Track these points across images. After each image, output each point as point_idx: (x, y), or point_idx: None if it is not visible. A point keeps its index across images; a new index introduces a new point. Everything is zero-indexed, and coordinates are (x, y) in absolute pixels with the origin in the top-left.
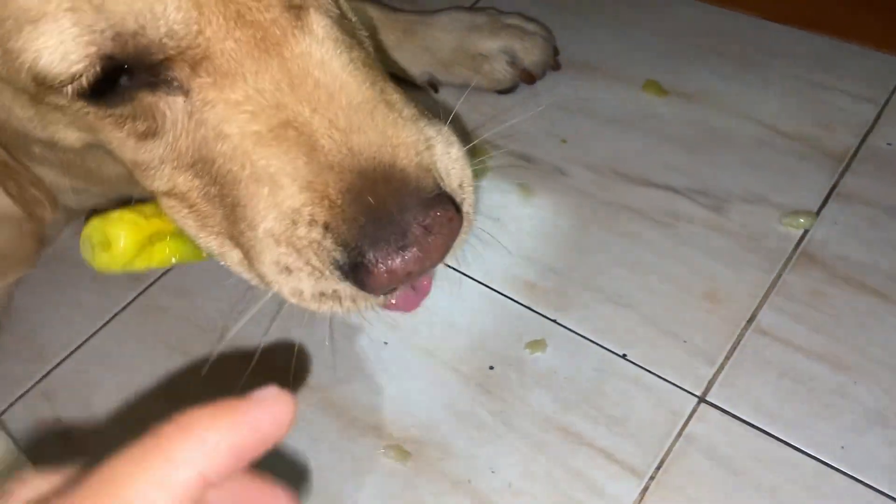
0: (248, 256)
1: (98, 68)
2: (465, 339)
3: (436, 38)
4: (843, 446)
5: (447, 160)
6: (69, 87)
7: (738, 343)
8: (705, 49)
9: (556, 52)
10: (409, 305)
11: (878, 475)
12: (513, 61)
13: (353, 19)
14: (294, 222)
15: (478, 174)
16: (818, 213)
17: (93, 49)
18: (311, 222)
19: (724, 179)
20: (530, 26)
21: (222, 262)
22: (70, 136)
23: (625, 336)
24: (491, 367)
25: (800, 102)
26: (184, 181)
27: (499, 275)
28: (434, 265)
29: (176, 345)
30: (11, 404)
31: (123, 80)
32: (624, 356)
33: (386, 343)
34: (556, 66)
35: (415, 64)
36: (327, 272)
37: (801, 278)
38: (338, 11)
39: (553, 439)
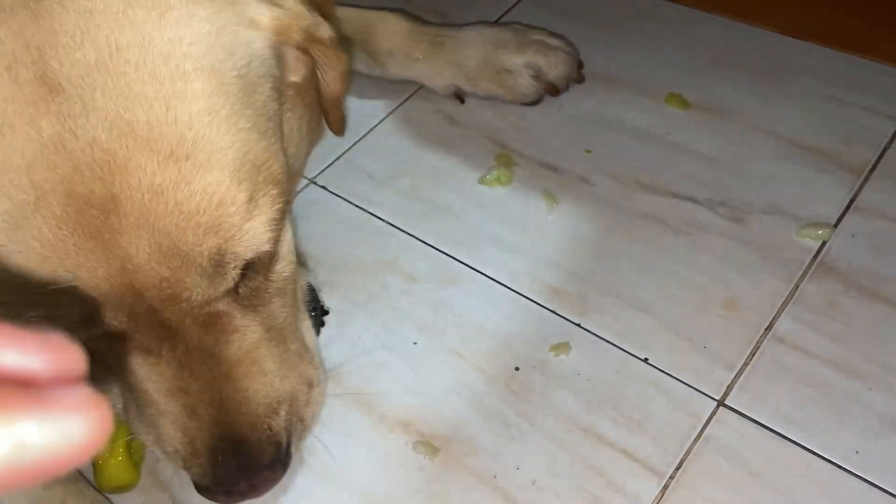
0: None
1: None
2: (491, 340)
3: (463, 52)
4: (858, 451)
5: (304, 408)
6: None
7: (756, 350)
8: (727, 64)
9: (580, 65)
10: None
11: (893, 480)
12: (537, 75)
13: (278, 304)
14: (165, 442)
15: (503, 181)
16: (836, 225)
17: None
18: (176, 452)
19: (744, 191)
20: (554, 41)
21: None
22: None
23: (646, 340)
24: (516, 368)
25: (819, 117)
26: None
27: (524, 279)
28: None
29: None
30: None
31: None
32: (645, 360)
33: (415, 343)
34: (580, 79)
35: (441, 76)
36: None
37: (818, 288)
38: (253, 312)
39: (576, 438)
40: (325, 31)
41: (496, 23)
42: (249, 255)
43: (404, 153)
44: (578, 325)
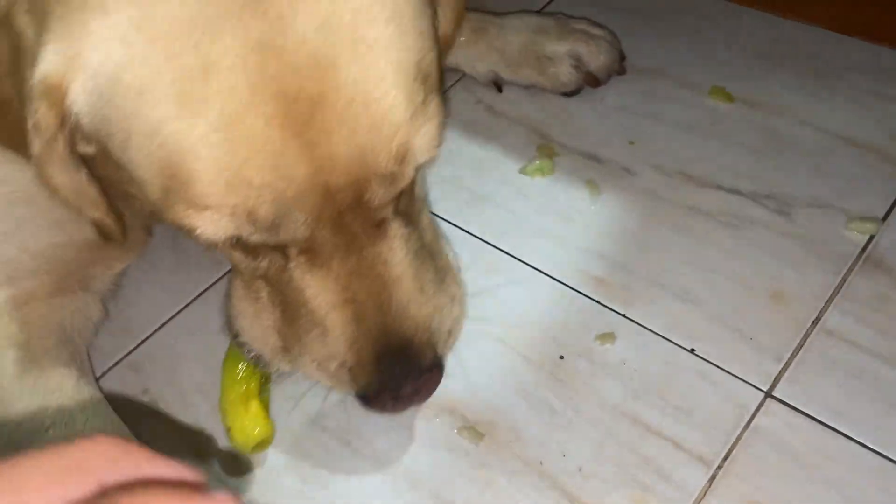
0: (287, 350)
1: (235, 241)
2: (536, 329)
3: (505, 38)
4: None
5: (449, 322)
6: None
7: (804, 342)
8: (771, 58)
9: (622, 56)
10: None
11: None
12: (578, 64)
13: (426, 221)
14: (331, 358)
15: (545, 171)
16: (884, 219)
17: (236, 236)
18: (342, 364)
19: (790, 185)
20: (597, 31)
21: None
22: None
23: (692, 331)
24: (561, 357)
25: (866, 112)
26: (262, 287)
27: (568, 269)
28: (417, 405)
29: None
30: (102, 375)
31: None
32: (692, 351)
33: None
34: (621, 71)
35: (481, 62)
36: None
37: (866, 282)
38: (411, 224)
39: (622, 427)
40: None
41: (539, 12)
42: (423, 157)
43: (446, 142)
44: (623, 315)
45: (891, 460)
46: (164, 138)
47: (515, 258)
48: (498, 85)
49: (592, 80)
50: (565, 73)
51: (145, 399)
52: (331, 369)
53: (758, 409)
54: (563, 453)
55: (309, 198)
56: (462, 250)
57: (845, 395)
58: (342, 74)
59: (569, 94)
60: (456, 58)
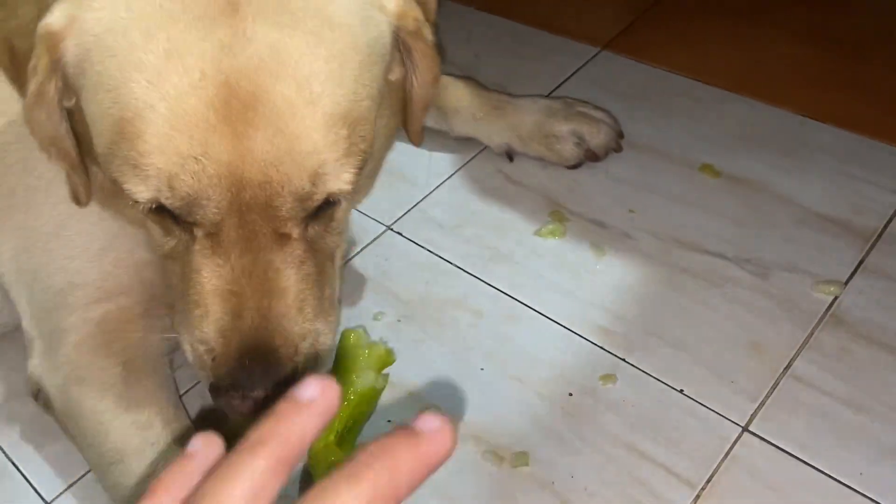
0: (175, 321)
1: (154, 207)
2: (548, 370)
3: (519, 116)
4: (862, 472)
5: (317, 348)
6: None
7: (777, 385)
8: (753, 139)
9: (620, 135)
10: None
11: (893, 498)
12: (580, 142)
13: (333, 261)
14: (201, 342)
15: (557, 233)
16: (846, 283)
17: (155, 199)
18: (209, 350)
19: (767, 250)
20: (598, 114)
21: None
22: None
23: (682, 375)
24: (570, 394)
25: (834, 189)
26: (170, 265)
27: (577, 319)
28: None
29: None
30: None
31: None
32: (681, 391)
33: (482, 369)
34: (618, 149)
35: (497, 136)
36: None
37: (830, 337)
38: (314, 252)
39: (621, 454)
40: (428, 32)
41: (548, 96)
42: (334, 188)
43: (469, 206)
44: (624, 360)
45: (848, 487)
46: (122, 97)
47: (531, 308)
48: (510, 155)
49: (592, 156)
50: (568, 150)
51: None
52: (199, 351)
53: (736, 441)
54: (571, 475)
55: (224, 182)
56: (484, 300)
57: (811, 431)
58: (277, 86)
59: (571, 167)
60: (476, 131)
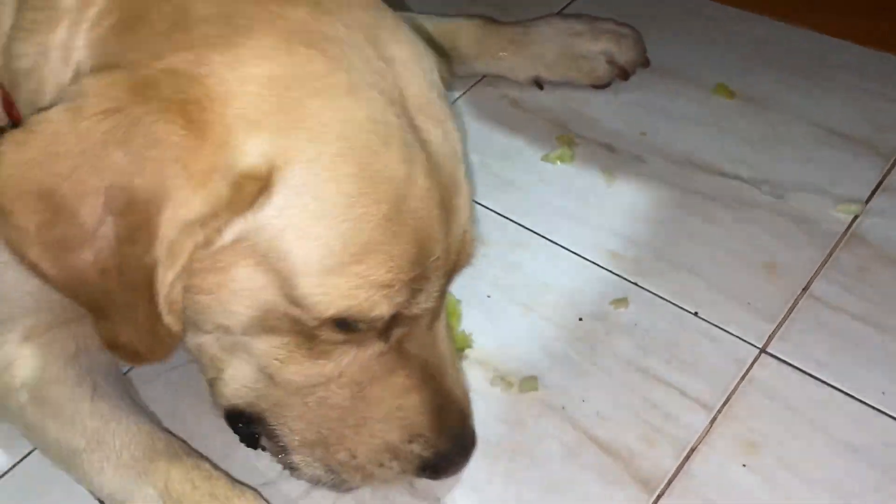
0: (338, 457)
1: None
2: (556, 295)
3: (542, 45)
4: (884, 392)
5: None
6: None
7: (795, 306)
8: (769, 59)
9: (645, 50)
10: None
11: None
12: (611, 60)
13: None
14: (410, 440)
15: (565, 158)
16: (867, 202)
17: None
18: (414, 439)
19: (784, 171)
20: (624, 30)
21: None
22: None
23: (696, 298)
24: (580, 319)
25: (853, 107)
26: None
27: (586, 244)
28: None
29: None
30: None
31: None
32: (695, 314)
33: (489, 296)
34: (646, 63)
35: (522, 70)
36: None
37: (849, 256)
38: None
39: (634, 378)
40: None
41: (564, 14)
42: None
43: (473, 133)
44: (635, 284)
45: (866, 404)
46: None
47: (539, 234)
48: (539, 84)
49: (622, 73)
50: (602, 69)
51: None
52: (400, 451)
53: (753, 363)
54: (583, 399)
55: (446, 266)
56: (492, 228)
57: (829, 351)
58: (460, 173)
59: (601, 86)
60: (500, 69)
